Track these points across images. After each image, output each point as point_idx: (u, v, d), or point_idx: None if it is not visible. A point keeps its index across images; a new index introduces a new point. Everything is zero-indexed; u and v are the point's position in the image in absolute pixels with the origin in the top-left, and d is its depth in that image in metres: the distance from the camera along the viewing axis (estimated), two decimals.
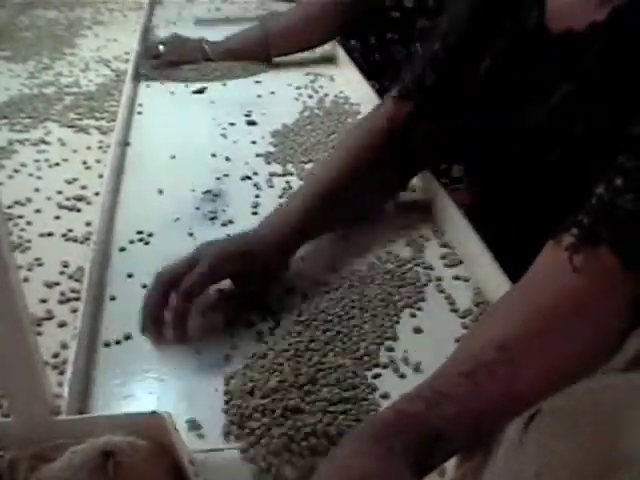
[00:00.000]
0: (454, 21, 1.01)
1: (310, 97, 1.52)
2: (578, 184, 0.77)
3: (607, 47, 0.83)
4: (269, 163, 1.23)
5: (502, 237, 0.98)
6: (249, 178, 1.18)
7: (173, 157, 1.25)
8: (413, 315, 0.87)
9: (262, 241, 0.89)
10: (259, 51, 1.68)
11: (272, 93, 1.54)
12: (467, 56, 0.99)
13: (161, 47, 1.66)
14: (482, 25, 0.99)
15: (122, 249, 1.00)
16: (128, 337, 0.84)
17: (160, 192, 1.14)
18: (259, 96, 1.53)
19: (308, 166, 1.21)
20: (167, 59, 1.65)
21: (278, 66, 1.69)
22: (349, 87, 1.57)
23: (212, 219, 1.07)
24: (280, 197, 1.12)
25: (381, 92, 1.59)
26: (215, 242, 0.89)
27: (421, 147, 1.04)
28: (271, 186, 1.16)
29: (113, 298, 0.91)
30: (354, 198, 1.00)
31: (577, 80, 0.86)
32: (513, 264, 0.87)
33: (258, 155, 1.26)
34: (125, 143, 1.30)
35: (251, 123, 1.38)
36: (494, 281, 0.89)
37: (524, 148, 0.94)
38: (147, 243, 1.02)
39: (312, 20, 1.69)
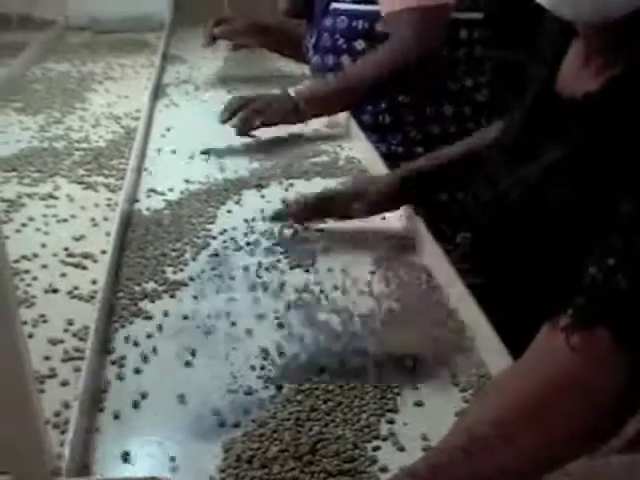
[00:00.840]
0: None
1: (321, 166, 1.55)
2: (574, 255, 0.79)
3: (599, 117, 0.86)
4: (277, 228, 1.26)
5: (505, 310, 1.00)
6: (248, 244, 1.21)
7: (180, 217, 1.27)
8: (415, 387, 0.89)
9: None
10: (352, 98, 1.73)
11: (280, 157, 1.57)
12: None
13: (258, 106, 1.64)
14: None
15: (127, 309, 1.02)
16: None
17: (164, 254, 1.16)
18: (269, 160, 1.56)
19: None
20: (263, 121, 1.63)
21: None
22: (359, 154, 1.61)
23: (216, 282, 1.09)
24: (279, 261, 1.14)
25: (388, 155, 1.63)
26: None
27: None
28: (271, 252, 1.18)
29: (116, 359, 0.92)
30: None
31: (568, 145, 0.89)
32: (516, 337, 0.89)
33: (266, 220, 1.28)
34: (133, 201, 1.32)
35: (259, 186, 1.41)
36: (496, 355, 0.91)
37: (522, 208, 0.97)
38: (153, 301, 1.04)
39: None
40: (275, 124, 1.64)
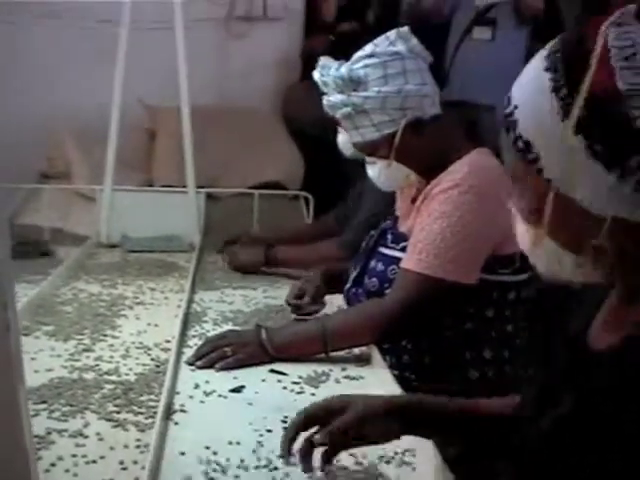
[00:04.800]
0: None
1: None
2: None
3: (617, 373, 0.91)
4: None
5: None
6: None
7: (208, 462, 1.32)
8: None
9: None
10: (318, 346, 1.80)
11: (312, 394, 1.63)
12: None
13: (227, 349, 1.76)
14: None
15: None
16: None
17: None
18: (296, 400, 1.61)
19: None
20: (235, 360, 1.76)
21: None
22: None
23: None
24: None
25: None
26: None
27: None
28: None
29: None
30: None
31: (581, 396, 0.95)
32: None
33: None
34: (162, 448, 1.36)
35: None
36: None
37: (536, 452, 1.02)
38: None
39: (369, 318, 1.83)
40: (245, 366, 1.76)
